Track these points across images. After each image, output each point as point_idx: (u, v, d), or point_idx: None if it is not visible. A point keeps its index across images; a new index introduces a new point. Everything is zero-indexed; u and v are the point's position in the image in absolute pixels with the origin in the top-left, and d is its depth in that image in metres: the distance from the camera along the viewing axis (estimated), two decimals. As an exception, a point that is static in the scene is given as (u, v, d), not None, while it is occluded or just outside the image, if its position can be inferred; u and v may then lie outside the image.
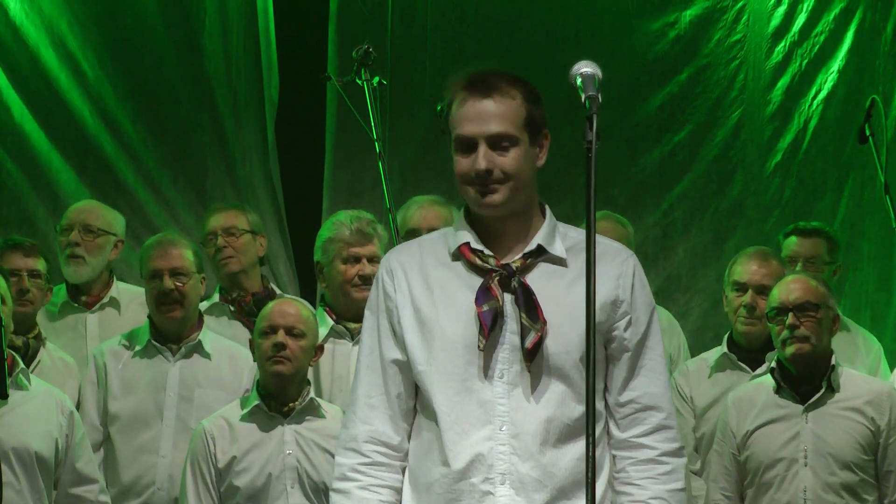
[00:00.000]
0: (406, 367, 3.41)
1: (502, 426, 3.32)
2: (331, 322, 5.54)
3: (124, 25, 7.17)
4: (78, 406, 5.52)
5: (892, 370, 5.98)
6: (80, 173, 7.06)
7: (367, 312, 3.49)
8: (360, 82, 5.38)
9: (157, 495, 5.46)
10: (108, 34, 7.14)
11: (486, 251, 3.39)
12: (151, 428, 5.51)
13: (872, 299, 7.33)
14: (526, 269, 3.38)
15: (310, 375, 5.48)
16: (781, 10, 7.40)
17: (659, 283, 7.19)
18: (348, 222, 5.54)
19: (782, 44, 7.40)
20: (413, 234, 5.75)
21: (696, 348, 6.21)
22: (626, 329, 3.40)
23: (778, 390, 5.24)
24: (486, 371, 3.34)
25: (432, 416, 3.37)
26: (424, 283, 3.41)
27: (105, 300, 6.02)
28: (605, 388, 3.43)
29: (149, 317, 5.63)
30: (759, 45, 7.41)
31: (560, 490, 3.32)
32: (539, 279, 3.37)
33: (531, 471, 3.32)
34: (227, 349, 5.65)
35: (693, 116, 7.45)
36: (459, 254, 3.40)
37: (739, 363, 5.68)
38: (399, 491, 3.44)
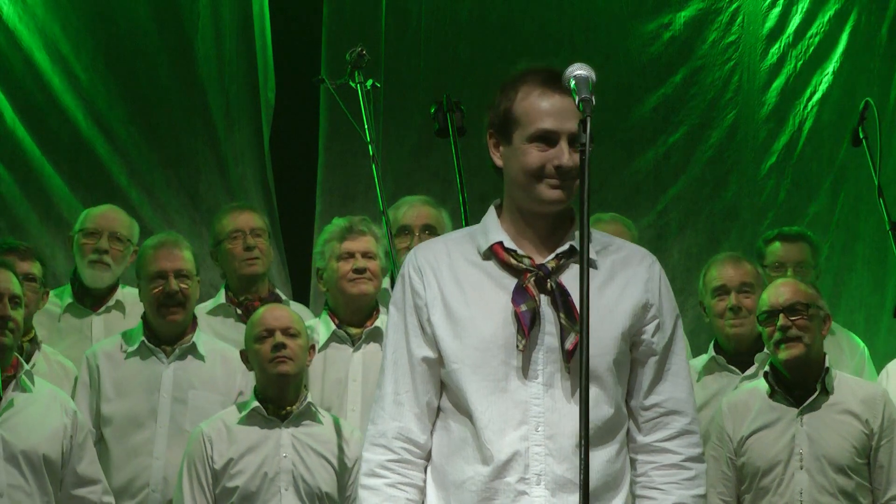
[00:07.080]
0: (435, 365, 3.38)
1: (538, 427, 3.30)
2: (333, 326, 5.54)
3: (117, 29, 7.16)
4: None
5: (880, 373, 5.96)
6: (73, 178, 7.04)
7: (391, 309, 3.45)
8: (353, 85, 5.36)
9: (151, 497, 5.46)
10: (102, 38, 7.13)
11: (520, 251, 3.36)
12: (145, 430, 5.50)
13: (867, 302, 7.33)
14: (559, 269, 3.36)
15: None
16: (776, 11, 7.40)
17: (653, 286, 7.16)
18: (340, 223, 5.60)
19: (777, 45, 7.40)
20: (406, 230, 5.79)
21: (690, 350, 6.20)
22: (654, 334, 3.39)
23: (772, 394, 5.24)
24: (522, 371, 3.31)
25: (466, 413, 3.34)
26: (455, 282, 3.37)
27: (111, 303, 6.00)
28: (627, 392, 3.40)
29: (143, 317, 5.62)
30: (753, 47, 7.41)
31: (592, 492, 3.26)
32: (571, 281, 3.33)
33: (566, 472, 3.30)
34: (220, 351, 5.64)
35: (688, 118, 7.45)
36: (491, 253, 3.38)
37: (728, 365, 5.69)
38: (422, 490, 3.41)
